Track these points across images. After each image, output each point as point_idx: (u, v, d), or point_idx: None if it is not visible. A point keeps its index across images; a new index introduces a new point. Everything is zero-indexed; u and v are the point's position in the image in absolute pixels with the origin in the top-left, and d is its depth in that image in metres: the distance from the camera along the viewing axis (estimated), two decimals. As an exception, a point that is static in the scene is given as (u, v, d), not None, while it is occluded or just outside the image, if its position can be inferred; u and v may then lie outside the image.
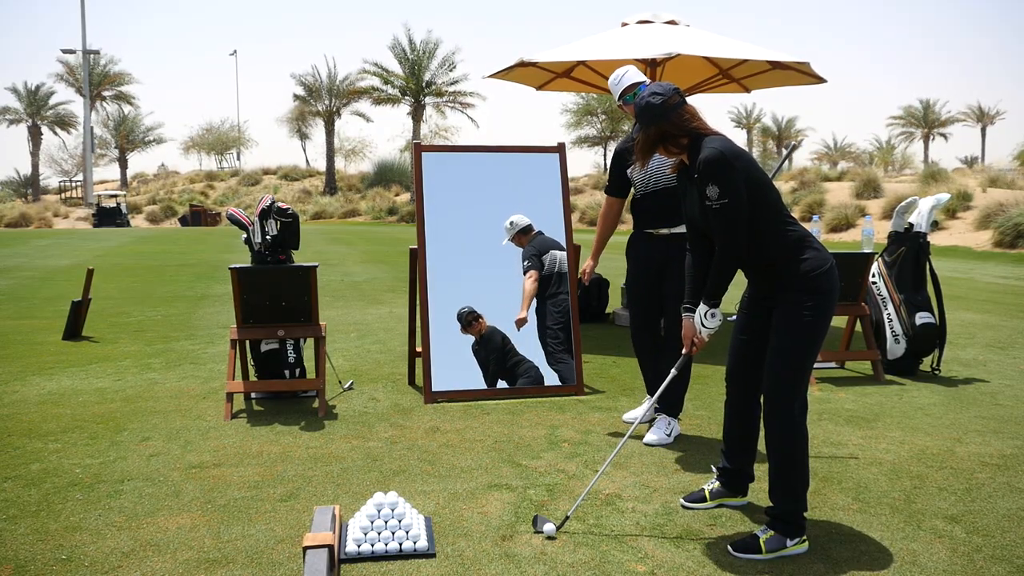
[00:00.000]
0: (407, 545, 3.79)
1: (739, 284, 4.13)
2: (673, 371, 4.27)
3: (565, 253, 6.86)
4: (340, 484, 4.64)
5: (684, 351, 4.18)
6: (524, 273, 6.74)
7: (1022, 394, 6.75)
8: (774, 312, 3.87)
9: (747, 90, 10.76)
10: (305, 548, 3.41)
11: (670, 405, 5.62)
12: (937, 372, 7.44)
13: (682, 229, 5.45)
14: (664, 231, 5.60)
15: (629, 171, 5.74)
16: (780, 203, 3.87)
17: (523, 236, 6.81)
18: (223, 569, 3.64)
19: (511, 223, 6.80)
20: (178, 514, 4.23)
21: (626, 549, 3.85)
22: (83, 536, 3.97)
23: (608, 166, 6.24)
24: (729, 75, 10.45)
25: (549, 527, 3.97)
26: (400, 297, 12.42)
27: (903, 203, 7.93)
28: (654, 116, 3.87)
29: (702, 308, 4.03)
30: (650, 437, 5.47)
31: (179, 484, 4.63)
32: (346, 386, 6.80)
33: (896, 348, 7.49)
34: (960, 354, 8.29)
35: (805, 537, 3.84)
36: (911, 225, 7.72)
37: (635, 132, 5.27)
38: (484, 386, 6.52)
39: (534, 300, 6.73)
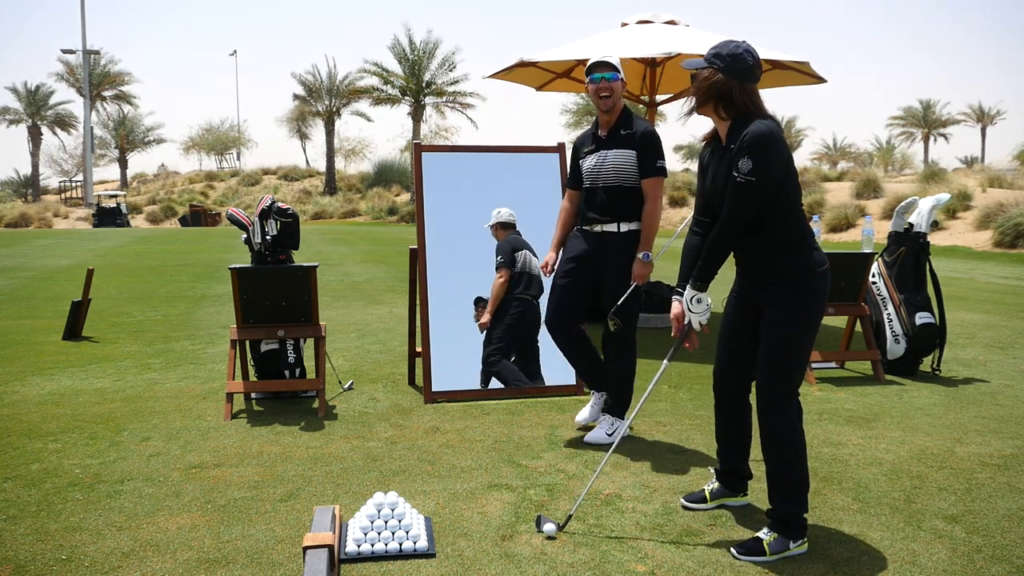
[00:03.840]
0: (407, 545, 3.79)
1: (726, 281, 4.13)
2: (665, 362, 4.21)
3: (535, 258, 6.74)
4: (340, 484, 4.64)
5: (673, 334, 4.13)
6: (496, 269, 6.72)
7: (1022, 394, 6.75)
8: (766, 311, 3.84)
9: None
10: (305, 548, 3.41)
11: (614, 405, 5.56)
12: (937, 372, 7.43)
13: (614, 228, 5.40)
14: (598, 228, 5.47)
15: (581, 162, 5.64)
16: (800, 196, 3.85)
17: (502, 230, 6.78)
18: (223, 569, 3.64)
19: (497, 213, 6.79)
20: (178, 514, 4.22)
21: (626, 549, 3.85)
22: (83, 536, 3.97)
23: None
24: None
25: (550, 527, 3.97)
26: (400, 297, 12.43)
27: (903, 203, 7.91)
28: (733, 70, 3.80)
29: (689, 292, 4.00)
30: (589, 436, 5.45)
31: (179, 484, 4.63)
32: (346, 386, 6.80)
33: (896, 348, 7.48)
34: (960, 354, 8.28)
35: (806, 538, 3.84)
36: (911, 225, 7.71)
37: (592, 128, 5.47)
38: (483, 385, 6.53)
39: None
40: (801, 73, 9.91)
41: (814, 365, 7.57)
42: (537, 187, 6.90)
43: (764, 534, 3.82)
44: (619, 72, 5.48)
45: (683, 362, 7.79)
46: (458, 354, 6.55)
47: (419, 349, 6.74)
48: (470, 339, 6.60)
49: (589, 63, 5.54)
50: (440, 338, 6.54)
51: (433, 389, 6.40)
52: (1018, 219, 20.61)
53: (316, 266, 6.12)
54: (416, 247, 6.69)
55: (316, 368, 6.20)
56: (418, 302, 6.64)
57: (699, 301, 4.00)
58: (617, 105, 5.51)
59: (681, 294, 4.08)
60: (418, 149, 6.92)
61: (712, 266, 3.91)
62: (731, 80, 3.80)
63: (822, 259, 3.84)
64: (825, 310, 3.92)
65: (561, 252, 5.67)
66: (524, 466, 4.94)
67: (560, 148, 7.07)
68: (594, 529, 4.05)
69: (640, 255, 5.37)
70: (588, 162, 5.57)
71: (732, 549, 3.83)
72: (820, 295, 3.80)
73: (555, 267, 5.73)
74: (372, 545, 3.79)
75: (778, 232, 3.78)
